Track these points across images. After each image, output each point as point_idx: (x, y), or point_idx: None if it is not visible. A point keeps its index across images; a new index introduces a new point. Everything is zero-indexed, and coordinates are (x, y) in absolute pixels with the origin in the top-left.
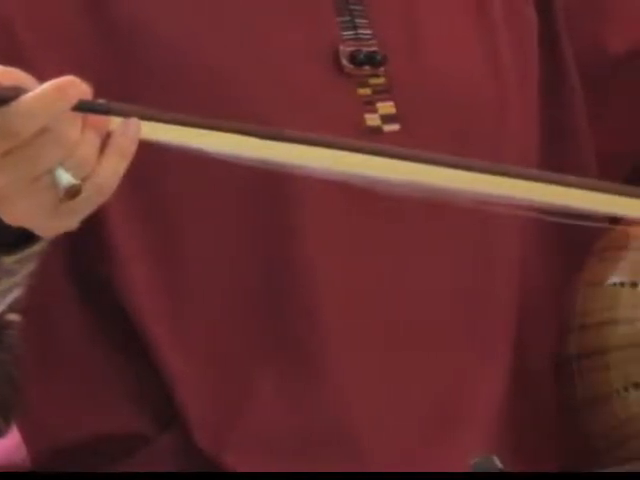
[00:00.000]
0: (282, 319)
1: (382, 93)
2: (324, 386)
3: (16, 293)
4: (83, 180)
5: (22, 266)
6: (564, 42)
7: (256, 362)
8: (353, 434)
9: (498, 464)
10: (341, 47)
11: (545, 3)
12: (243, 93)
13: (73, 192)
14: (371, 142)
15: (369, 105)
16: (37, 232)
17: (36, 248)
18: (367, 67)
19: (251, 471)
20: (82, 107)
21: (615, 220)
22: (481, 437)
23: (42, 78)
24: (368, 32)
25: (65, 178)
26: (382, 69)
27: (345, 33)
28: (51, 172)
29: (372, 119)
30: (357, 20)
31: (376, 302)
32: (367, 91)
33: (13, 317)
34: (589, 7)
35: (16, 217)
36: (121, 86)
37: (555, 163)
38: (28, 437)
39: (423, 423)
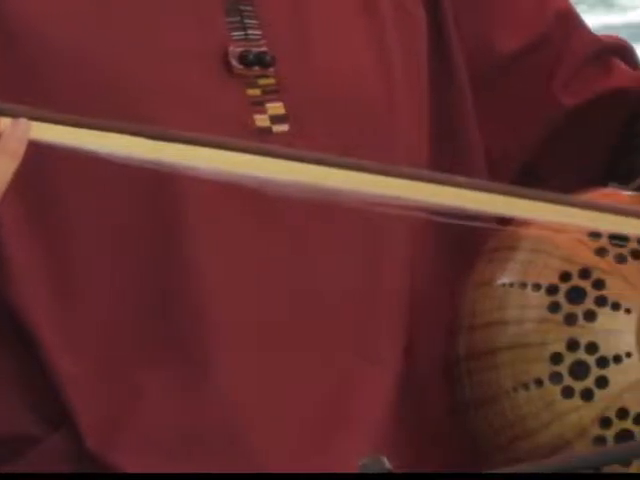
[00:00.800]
0: (169, 320)
1: (271, 94)
2: (211, 386)
3: None
4: None
5: None
6: (453, 42)
7: (144, 363)
8: (240, 434)
9: (386, 464)
10: (230, 47)
11: (434, 3)
12: (132, 94)
13: None
14: (260, 143)
15: (258, 106)
16: None
17: None
18: (256, 68)
19: (141, 472)
20: None
21: (504, 221)
22: (369, 437)
23: None
24: (258, 33)
25: None
26: (271, 70)
27: (235, 34)
28: None
29: (261, 120)
30: (247, 21)
31: (262, 303)
32: (256, 92)
33: None
34: (477, 7)
35: None
36: (8, 86)
37: (444, 163)
38: None
39: (310, 423)
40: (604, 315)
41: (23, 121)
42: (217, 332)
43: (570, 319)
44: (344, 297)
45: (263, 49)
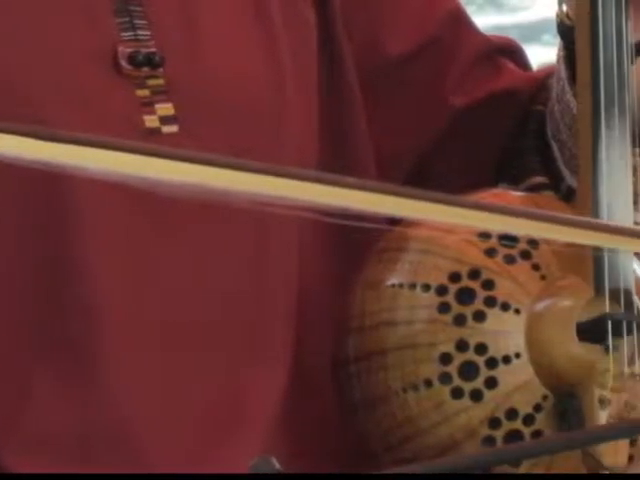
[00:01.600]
0: (60, 319)
1: (161, 94)
2: (101, 387)
3: None
4: None
5: None
6: (342, 44)
7: (34, 362)
8: (132, 435)
9: (276, 465)
10: (120, 48)
11: (323, 6)
12: (20, 94)
13: None
14: (150, 143)
15: (148, 106)
16: None
17: None
18: (146, 68)
19: (33, 472)
20: None
21: (394, 221)
22: (260, 438)
23: None
24: (147, 33)
25: None
26: (160, 70)
27: (124, 34)
28: None
29: (151, 120)
30: (136, 21)
31: (153, 303)
32: (146, 92)
33: None
34: (367, 9)
35: None
36: None
37: (334, 164)
38: None
39: (201, 424)
40: (493, 316)
41: None
42: (108, 332)
43: (459, 320)
44: (234, 297)
45: (152, 50)
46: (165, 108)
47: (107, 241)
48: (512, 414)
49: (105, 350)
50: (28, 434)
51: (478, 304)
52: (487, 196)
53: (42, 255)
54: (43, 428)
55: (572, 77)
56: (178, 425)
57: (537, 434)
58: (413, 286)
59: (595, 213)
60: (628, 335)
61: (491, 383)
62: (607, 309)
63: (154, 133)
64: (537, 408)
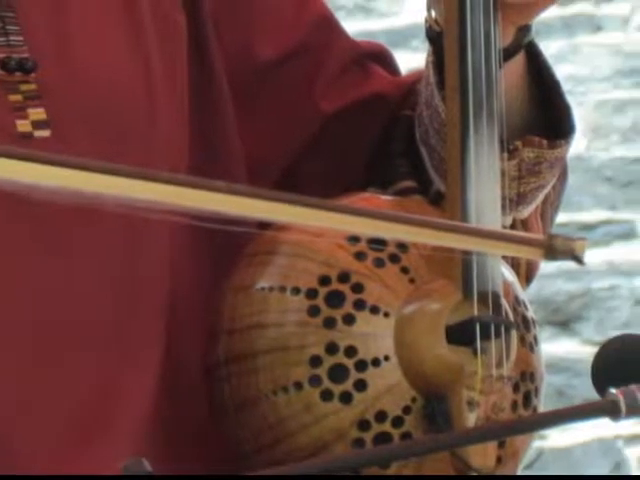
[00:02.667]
0: None
1: (33, 99)
2: None
3: None
4: None
5: None
6: (213, 49)
7: None
8: (2, 437)
9: (147, 467)
10: None
11: (193, 9)
12: None
13: None
14: (22, 147)
15: (20, 111)
16: None
17: None
18: (18, 73)
19: None
20: None
21: (264, 225)
22: (130, 438)
23: None
24: (19, 39)
25: None
26: (33, 75)
27: None
28: None
29: (23, 125)
30: (9, 27)
31: (24, 303)
32: (18, 97)
33: None
34: (237, 14)
35: None
36: None
37: (204, 168)
38: None
39: (71, 423)
40: (363, 319)
41: None
42: None
43: (329, 322)
44: (105, 299)
45: (25, 55)
46: (37, 113)
47: None
48: (381, 416)
49: None
50: None
51: (348, 307)
52: (356, 200)
53: None
54: None
55: (441, 82)
56: (47, 424)
57: (406, 436)
58: (283, 289)
59: (464, 217)
60: (496, 338)
61: (360, 386)
62: (475, 312)
63: (26, 137)
64: (406, 410)
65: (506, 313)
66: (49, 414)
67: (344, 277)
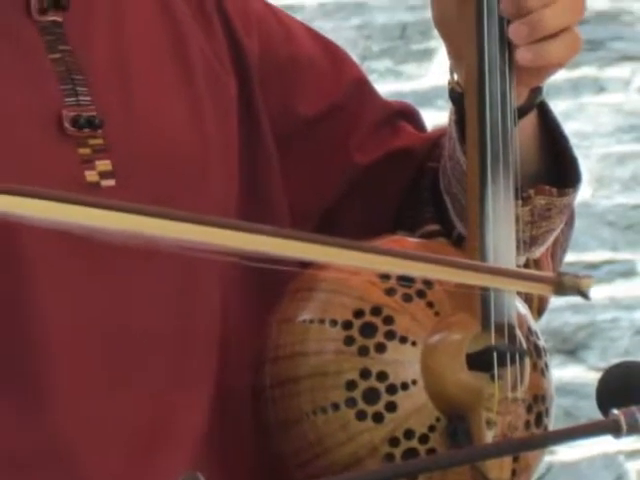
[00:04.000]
0: (10, 353)
1: (100, 152)
2: (47, 410)
3: None
4: None
5: None
6: (260, 107)
7: None
8: (71, 458)
9: None
10: (64, 112)
11: (243, 73)
12: None
13: None
14: (90, 196)
15: (89, 163)
16: None
17: None
18: (87, 129)
19: None
20: None
21: (305, 264)
22: (187, 455)
23: None
24: (88, 99)
25: None
26: (100, 131)
27: (67, 99)
28: None
29: (91, 175)
30: (78, 88)
31: (90, 334)
32: (87, 151)
33: None
34: (282, 77)
35: None
36: None
37: (252, 214)
38: None
39: (134, 440)
40: (393, 347)
41: None
42: (52, 362)
43: (363, 351)
44: (164, 331)
45: (92, 113)
46: (104, 164)
47: (53, 283)
48: (409, 434)
49: (49, 377)
50: None
51: (379, 337)
52: (387, 242)
53: None
54: None
55: (462, 137)
56: (113, 441)
57: (431, 451)
58: (322, 321)
59: (482, 257)
60: (511, 364)
61: (391, 407)
62: (493, 342)
63: (94, 187)
64: (431, 429)
65: (520, 342)
66: (115, 431)
67: (376, 311)
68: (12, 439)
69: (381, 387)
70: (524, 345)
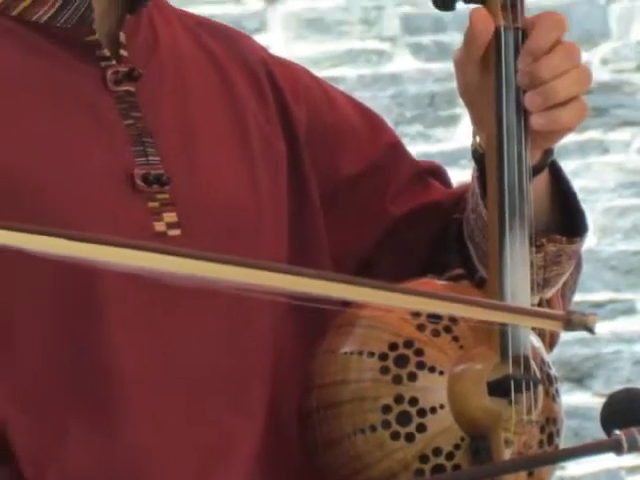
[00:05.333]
0: (89, 379)
1: (167, 206)
2: (122, 435)
3: None
4: None
5: None
6: (306, 166)
7: (70, 416)
8: (142, 472)
9: None
10: (135, 170)
11: (292, 137)
12: (58, 205)
13: None
14: (158, 244)
15: (157, 215)
16: None
17: None
18: (156, 186)
19: None
20: None
21: (346, 303)
22: (243, 472)
23: None
24: (157, 159)
25: None
26: (167, 187)
27: (139, 159)
28: None
29: (159, 226)
30: (148, 149)
31: (160, 366)
32: (155, 204)
33: None
34: (326, 139)
35: None
36: None
37: (299, 259)
38: None
39: (196, 461)
40: (423, 376)
41: None
42: (127, 396)
43: (397, 379)
44: (224, 364)
45: (160, 171)
46: (170, 216)
47: (126, 319)
48: (437, 452)
49: (124, 406)
50: (63, 473)
51: (411, 367)
52: (418, 284)
53: (75, 325)
54: (74, 467)
55: (483, 192)
56: (177, 463)
57: (457, 467)
58: (361, 353)
59: (501, 297)
60: (527, 391)
61: (421, 428)
62: (510, 371)
63: (161, 236)
64: (456, 447)
65: (534, 372)
66: (180, 453)
67: (408, 344)
68: (91, 459)
69: (412, 411)
70: (538, 374)
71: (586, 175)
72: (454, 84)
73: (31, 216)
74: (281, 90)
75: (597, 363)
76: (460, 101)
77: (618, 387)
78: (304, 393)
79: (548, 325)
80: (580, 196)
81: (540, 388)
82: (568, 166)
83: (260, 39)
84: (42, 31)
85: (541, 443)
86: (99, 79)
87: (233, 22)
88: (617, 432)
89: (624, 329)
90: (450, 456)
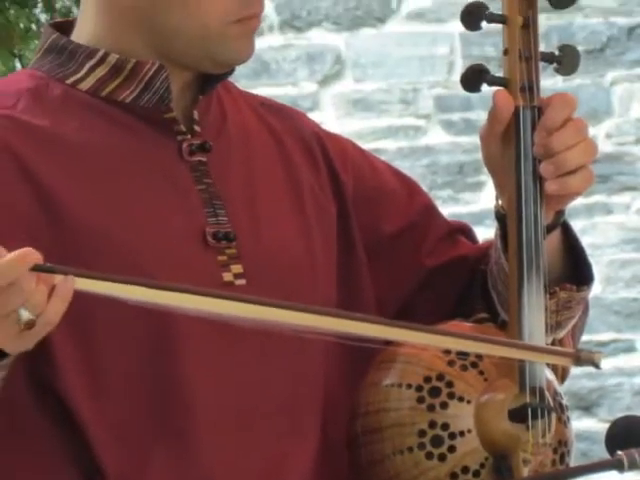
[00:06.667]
0: (168, 410)
1: (234, 259)
2: (198, 460)
3: None
4: (37, 316)
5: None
6: (353, 225)
7: (152, 442)
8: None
9: None
10: (207, 229)
11: (340, 200)
12: (141, 259)
13: (30, 324)
14: (226, 292)
15: (225, 267)
16: (5, 350)
17: (7, 360)
18: (224, 242)
19: None
20: (36, 268)
21: (387, 342)
22: None
23: (8, 247)
24: (225, 219)
25: (25, 315)
26: (234, 243)
27: (210, 219)
28: (16, 311)
29: (227, 276)
30: (218, 210)
31: (229, 398)
32: (224, 258)
33: None
34: (369, 201)
35: None
36: (59, 255)
37: (348, 304)
38: None
39: (256, 477)
40: (453, 405)
41: (70, 277)
42: (201, 421)
43: (431, 407)
44: (282, 395)
45: (228, 230)
46: (237, 268)
47: (199, 356)
48: (465, 470)
49: (198, 434)
50: None
51: (443, 397)
52: (448, 326)
53: (156, 366)
54: None
55: (505, 248)
56: (241, 476)
57: None
58: (400, 385)
59: (520, 337)
60: (542, 418)
61: (451, 449)
62: (528, 400)
63: (229, 285)
64: (482, 466)
65: (548, 401)
66: (244, 472)
67: (440, 377)
68: (169, 478)
69: (444, 435)
70: (551, 403)
71: (592, 233)
72: (480, 155)
73: (121, 269)
74: (331, 160)
75: (602, 394)
76: (485, 169)
77: (620, 414)
78: (351, 419)
79: (560, 361)
80: (587, 251)
81: (553, 415)
82: (577, 225)
83: (313, 116)
84: (127, 109)
85: (554, 462)
86: (176, 150)
87: (290, 102)
88: (619, 453)
89: (625, 364)
90: (476, 474)
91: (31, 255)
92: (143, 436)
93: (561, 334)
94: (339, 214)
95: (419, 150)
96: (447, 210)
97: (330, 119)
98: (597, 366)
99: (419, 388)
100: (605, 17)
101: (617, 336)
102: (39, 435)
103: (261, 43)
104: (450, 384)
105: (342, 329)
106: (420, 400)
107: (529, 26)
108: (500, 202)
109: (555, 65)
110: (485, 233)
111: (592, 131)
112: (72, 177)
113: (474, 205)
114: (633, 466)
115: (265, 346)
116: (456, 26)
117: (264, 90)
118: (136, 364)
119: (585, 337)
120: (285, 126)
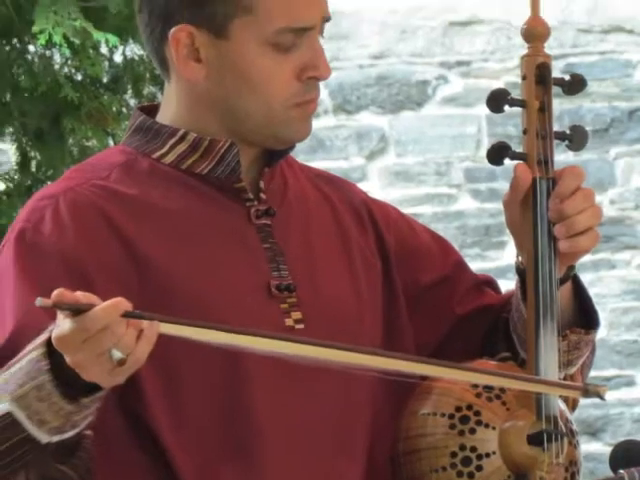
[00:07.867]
0: (238, 434)
1: (294, 307)
2: (263, 476)
3: (89, 419)
4: (127, 355)
5: (93, 403)
6: (395, 278)
7: (222, 461)
8: None
9: None
10: (271, 281)
11: (385, 257)
12: (216, 307)
13: (122, 362)
14: (288, 335)
15: (287, 314)
16: (100, 384)
17: (101, 393)
18: (286, 292)
19: None
20: (127, 315)
21: (424, 377)
22: None
23: (103, 297)
24: (286, 272)
25: (117, 354)
26: (294, 293)
27: (273, 273)
28: (109, 351)
29: (289, 322)
30: (280, 266)
31: (292, 430)
32: (286, 306)
33: (87, 432)
34: (408, 258)
35: (89, 377)
36: (144, 303)
37: (391, 346)
38: None
39: None
40: (480, 430)
41: (155, 323)
42: (264, 449)
43: (461, 433)
44: (337, 421)
45: (289, 282)
46: (297, 315)
47: (265, 387)
48: None
49: (263, 455)
50: None
51: (472, 424)
52: (476, 363)
53: (229, 395)
54: None
55: (524, 297)
56: None
57: None
58: (435, 414)
59: (537, 373)
60: (556, 441)
61: (479, 468)
62: (544, 427)
63: (290, 329)
64: None
65: (561, 427)
66: None
67: (469, 407)
68: None
69: (472, 456)
70: (564, 429)
71: (598, 284)
72: (503, 218)
73: (199, 315)
74: (377, 222)
75: (606, 421)
76: (507, 231)
77: (621, 439)
78: (394, 443)
79: (571, 393)
80: (594, 300)
81: (565, 439)
82: (585, 278)
83: (362, 186)
84: (204, 180)
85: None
86: (245, 215)
87: (342, 173)
88: (621, 471)
89: (626, 396)
90: None
91: (122, 303)
92: (215, 456)
93: (572, 370)
94: (383, 269)
95: (451, 214)
96: (475, 265)
97: (375, 188)
98: (602, 398)
99: (451, 416)
100: (609, 102)
101: (619, 372)
102: (129, 462)
103: (317, 124)
104: (478, 413)
105: (386, 366)
106: (452, 426)
107: (545, 109)
108: (520, 258)
109: (567, 142)
110: (507, 285)
111: (598, 198)
112: (158, 237)
113: (498, 261)
114: None
115: (321, 378)
116: (483, 109)
117: (320, 164)
118: (212, 397)
119: (592, 373)
120: (337, 194)
